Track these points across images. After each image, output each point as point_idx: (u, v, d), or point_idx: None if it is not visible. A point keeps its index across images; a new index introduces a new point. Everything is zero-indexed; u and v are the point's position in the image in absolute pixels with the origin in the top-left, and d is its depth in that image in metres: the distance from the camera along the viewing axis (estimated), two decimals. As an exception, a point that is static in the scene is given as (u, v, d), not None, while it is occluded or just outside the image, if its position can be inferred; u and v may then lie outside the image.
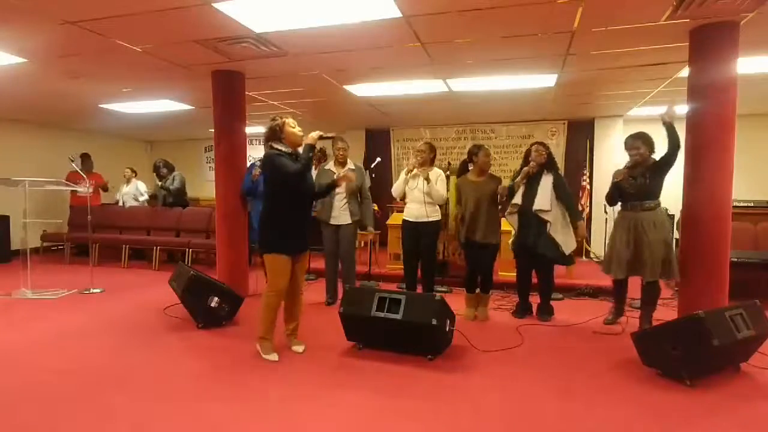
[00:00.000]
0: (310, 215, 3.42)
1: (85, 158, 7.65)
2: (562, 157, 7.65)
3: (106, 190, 8.10)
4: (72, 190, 7.02)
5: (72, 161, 6.32)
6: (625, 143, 3.93)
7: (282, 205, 3.19)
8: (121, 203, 8.03)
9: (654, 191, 3.79)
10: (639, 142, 3.82)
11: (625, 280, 3.99)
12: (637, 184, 3.77)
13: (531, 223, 4.12)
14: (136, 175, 8.14)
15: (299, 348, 3.38)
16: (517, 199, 4.17)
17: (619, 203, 3.97)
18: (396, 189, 4.48)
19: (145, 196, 8.03)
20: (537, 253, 4.11)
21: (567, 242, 4.11)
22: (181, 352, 3.41)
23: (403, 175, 4.44)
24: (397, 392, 2.74)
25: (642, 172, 3.78)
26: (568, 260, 4.26)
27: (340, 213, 4.56)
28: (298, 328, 3.46)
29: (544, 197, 4.08)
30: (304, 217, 3.30)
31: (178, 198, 7.43)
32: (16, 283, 5.33)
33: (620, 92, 5.97)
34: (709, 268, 3.69)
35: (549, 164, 4.18)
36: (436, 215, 4.41)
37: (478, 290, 4.32)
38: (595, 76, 5.20)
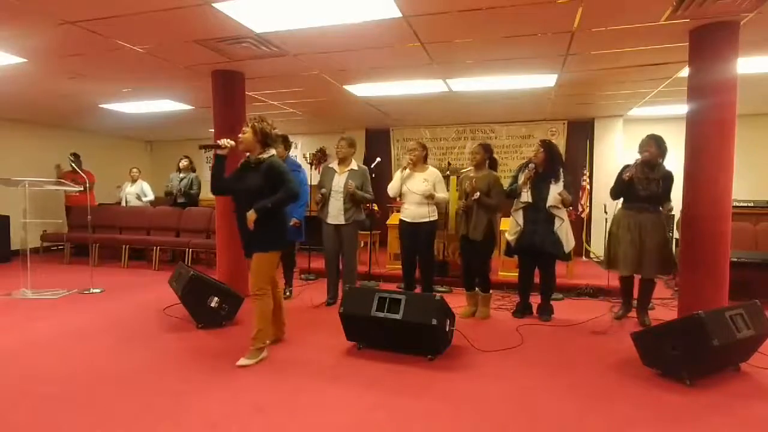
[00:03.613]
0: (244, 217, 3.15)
1: (76, 157, 7.61)
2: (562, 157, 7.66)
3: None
4: (66, 191, 7.00)
5: (71, 161, 6.32)
6: (641, 145, 4.04)
7: None
8: (124, 203, 8.03)
9: (660, 198, 3.99)
10: (652, 142, 3.98)
11: (631, 276, 4.14)
12: (651, 189, 3.94)
13: (539, 219, 4.12)
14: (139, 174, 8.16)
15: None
16: (525, 197, 4.17)
17: (621, 200, 4.14)
18: (392, 188, 4.48)
19: (150, 197, 8.02)
20: (543, 251, 4.13)
21: (569, 240, 4.19)
22: (181, 352, 3.40)
23: (398, 175, 4.45)
24: (396, 392, 2.74)
25: (657, 180, 3.94)
26: (568, 257, 4.30)
27: (339, 213, 4.55)
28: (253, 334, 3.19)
29: (555, 197, 4.11)
30: (240, 219, 3.19)
31: (192, 200, 7.42)
32: (16, 283, 5.34)
33: (620, 92, 5.97)
34: (709, 268, 3.69)
35: (553, 166, 4.14)
36: (433, 215, 4.42)
37: (478, 289, 4.32)
38: (595, 76, 5.20)
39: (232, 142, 3.19)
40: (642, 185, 3.95)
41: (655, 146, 3.96)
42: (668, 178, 3.96)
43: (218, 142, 3.19)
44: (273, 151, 3.22)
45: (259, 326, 3.16)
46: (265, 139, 3.17)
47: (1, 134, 7.76)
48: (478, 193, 4.09)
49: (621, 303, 4.36)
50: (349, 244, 4.60)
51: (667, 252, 4.02)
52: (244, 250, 3.28)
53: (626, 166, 4.09)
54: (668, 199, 4.06)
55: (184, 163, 7.35)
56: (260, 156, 3.17)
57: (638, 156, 4.03)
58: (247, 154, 3.23)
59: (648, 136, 4.05)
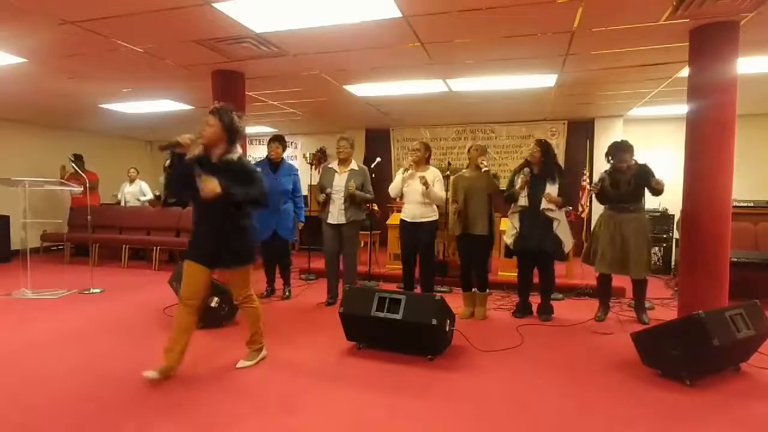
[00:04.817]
0: (226, 225, 2.83)
1: (78, 158, 7.62)
2: (562, 157, 7.66)
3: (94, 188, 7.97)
4: (71, 192, 7.02)
5: (72, 162, 6.31)
6: (614, 154, 4.08)
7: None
8: (123, 203, 8.03)
9: (636, 196, 4.05)
10: (627, 155, 4.02)
11: (609, 276, 4.22)
12: (621, 191, 4.02)
13: (536, 222, 4.13)
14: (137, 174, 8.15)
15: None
16: (523, 201, 4.19)
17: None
18: (393, 188, 4.47)
19: (148, 197, 8.02)
20: (542, 250, 4.14)
21: (567, 240, 4.21)
22: (181, 352, 3.40)
23: (399, 175, 4.44)
24: (396, 392, 2.74)
25: (627, 179, 4.00)
26: (565, 257, 4.31)
27: (340, 213, 4.55)
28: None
29: (544, 199, 4.11)
30: (207, 228, 2.85)
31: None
32: (16, 283, 5.33)
33: (620, 92, 5.97)
34: (709, 268, 3.69)
35: (549, 166, 4.16)
36: (433, 215, 4.41)
37: (475, 290, 4.32)
38: (595, 76, 5.20)
39: (192, 137, 2.78)
40: (614, 189, 4.04)
41: (631, 157, 4.03)
42: (640, 172, 4.00)
43: (177, 139, 2.76)
44: (239, 150, 2.87)
45: (254, 328, 3.12)
46: (233, 134, 2.79)
47: (3, 135, 7.77)
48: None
49: (599, 303, 4.33)
50: (349, 244, 4.61)
51: (648, 253, 4.05)
52: (205, 262, 2.83)
53: (606, 172, 4.17)
54: (651, 182, 3.92)
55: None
56: (229, 156, 2.80)
57: (616, 164, 4.07)
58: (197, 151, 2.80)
59: (619, 148, 4.05)
